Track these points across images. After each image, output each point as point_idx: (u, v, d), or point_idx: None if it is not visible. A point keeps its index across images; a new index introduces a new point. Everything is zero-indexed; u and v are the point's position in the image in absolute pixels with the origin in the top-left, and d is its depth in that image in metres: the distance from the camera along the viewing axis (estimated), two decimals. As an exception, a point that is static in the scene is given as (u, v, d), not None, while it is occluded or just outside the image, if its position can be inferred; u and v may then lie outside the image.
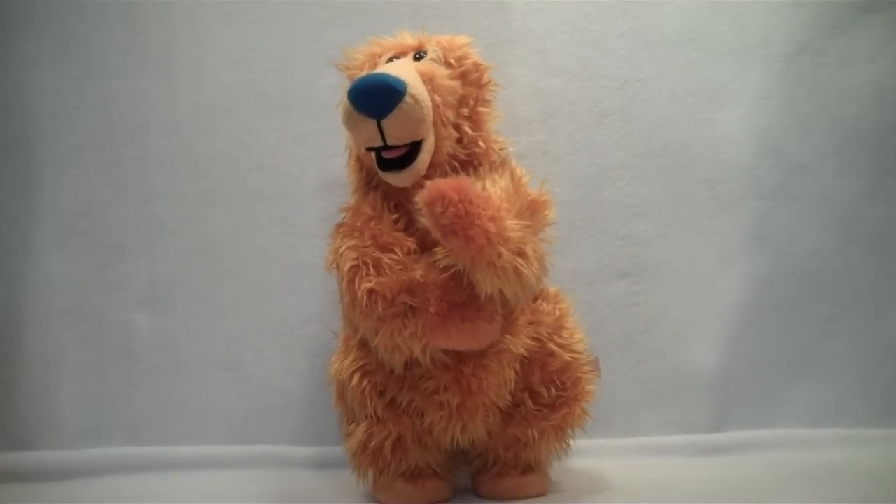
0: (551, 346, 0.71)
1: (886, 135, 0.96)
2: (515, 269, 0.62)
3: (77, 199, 0.92)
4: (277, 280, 0.92)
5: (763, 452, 0.89)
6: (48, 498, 0.79)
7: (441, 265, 0.63)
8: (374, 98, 0.63)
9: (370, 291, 0.64)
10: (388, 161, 0.66)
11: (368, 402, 0.69)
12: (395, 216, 0.68)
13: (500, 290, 0.63)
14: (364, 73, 0.69)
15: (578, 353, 0.73)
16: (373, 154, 0.67)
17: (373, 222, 0.67)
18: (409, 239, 0.67)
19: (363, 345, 0.70)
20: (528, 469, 0.74)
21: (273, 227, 0.93)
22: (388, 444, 0.69)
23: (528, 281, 0.64)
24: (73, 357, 0.91)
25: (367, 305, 0.64)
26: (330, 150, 0.92)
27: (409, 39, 0.74)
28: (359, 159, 0.73)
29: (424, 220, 0.62)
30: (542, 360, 0.71)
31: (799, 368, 0.95)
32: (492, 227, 0.60)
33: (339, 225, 0.71)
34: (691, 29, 0.94)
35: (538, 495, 0.74)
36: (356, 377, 0.69)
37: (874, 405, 0.95)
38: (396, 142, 0.65)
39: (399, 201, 0.69)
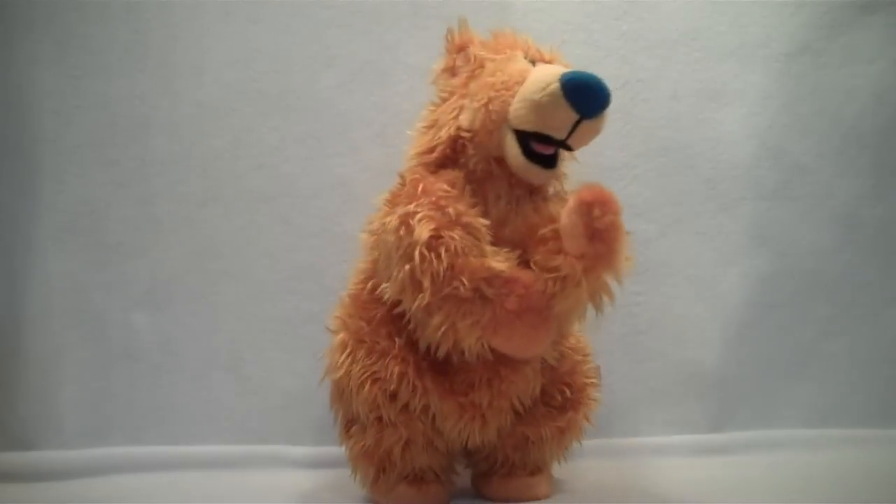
0: (561, 348, 0.72)
1: (886, 135, 0.96)
2: (600, 298, 0.64)
3: (77, 199, 0.92)
4: (277, 280, 0.92)
5: (763, 452, 0.89)
6: (48, 498, 0.79)
7: (546, 266, 0.63)
8: (595, 99, 0.62)
9: (451, 267, 0.61)
10: (540, 156, 0.66)
11: (381, 407, 0.68)
12: (473, 201, 0.66)
13: (574, 311, 0.64)
14: (499, 59, 0.69)
15: (586, 355, 0.74)
16: (517, 141, 0.65)
17: (451, 199, 0.64)
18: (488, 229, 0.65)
19: (370, 350, 0.68)
20: (536, 469, 0.74)
21: (273, 227, 0.93)
22: (397, 447, 0.69)
23: (598, 309, 0.65)
24: (74, 357, 0.91)
25: (443, 280, 0.61)
26: (330, 149, 0.92)
27: (532, 43, 0.72)
28: (457, 135, 0.69)
29: (569, 218, 0.61)
30: (551, 363, 0.72)
31: (799, 368, 0.95)
32: (626, 247, 0.62)
33: (410, 194, 0.65)
34: (692, 29, 0.95)
35: (544, 497, 0.74)
36: (367, 385, 0.67)
37: (874, 405, 0.95)
38: (580, 145, 0.66)
39: (481, 188, 0.67)
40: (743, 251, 0.94)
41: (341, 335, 0.71)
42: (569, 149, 0.67)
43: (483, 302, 0.62)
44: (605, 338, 0.92)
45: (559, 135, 0.64)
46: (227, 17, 0.93)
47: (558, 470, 0.78)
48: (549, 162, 0.67)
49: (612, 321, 0.93)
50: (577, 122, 0.63)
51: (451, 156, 0.69)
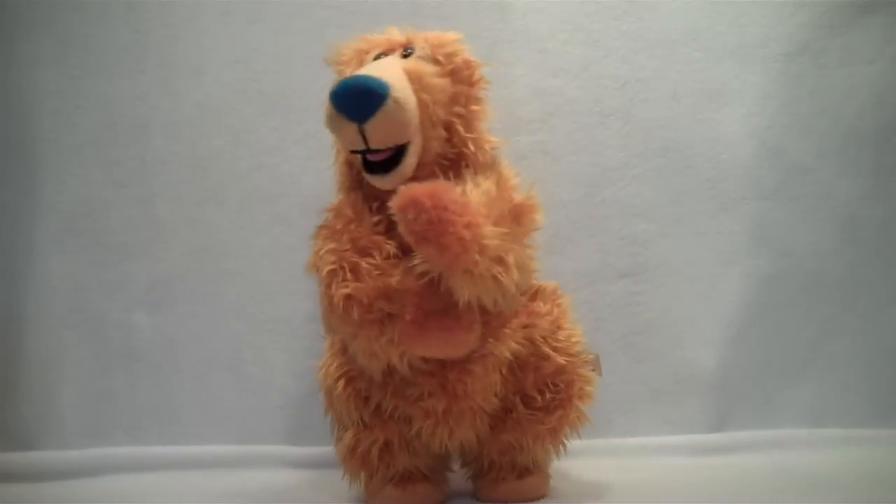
0: (546, 349, 0.69)
1: (886, 135, 0.96)
2: (493, 277, 0.60)
3: (78, 199, 0.92)
4: (277, 280, 0.92)
5: (763, 452, 0.89)
6: (48, 498, 0.79)
7: (418, 271, 0.62)
8: (355, 101, 0.60)
9: (347, 297, 0.62)
10: (373, 164, 0.64)
11: (354, 408, 0.68)
12: (376, 218, 0.66)
13: (479, 298, 0.62)
14: (349, 71, 0.68)
15: (574, 355, 0.71)
16: (358, 156, 0.65)
17: (352, 225, 0.65)
18: (390, 242, 0.64)
19: (347, 350, 0.69)
20: (526, 472, 0.72)
21: (273, 227, 0.93)
22: (375, 449, 0.68)
23: (508, 289, 0.62)
24: (74, 357, 0.91)
25: (343, 311, 0.62)
26: (330, 149, 0.92)
27: (396, 36, 0.72)
28: (347, 160, 0.70)
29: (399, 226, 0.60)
30: (535, 363, 0.69)
31: (799, 368, 0.95)
32: (467, 234, 0.58)
33: (321, 226, 0.68)
34: (691, 29, 0.94)
35: (538, 498, 0.73)
36: (341, 383, 0.68)
37: (875, 405, 0.95)
38: (379, 146, 0.62)
39: (382, 202, 0.66)
40: (743, 251, 0.94)
41: (329, 338, 0.72)
42: (378, 151, 0.64)
43: (390, 318, 0.62)
44: (605, 338, 0.92)
45: (359, 146, 0.62)
46: (227, 17, 0.93)
47: (557, 469, 0.78)
48: (387, 166, 0.64)
49: (612, 321, 0.94)
50: (361, 128, 0.61)
51: (354, 180, 0.69)
